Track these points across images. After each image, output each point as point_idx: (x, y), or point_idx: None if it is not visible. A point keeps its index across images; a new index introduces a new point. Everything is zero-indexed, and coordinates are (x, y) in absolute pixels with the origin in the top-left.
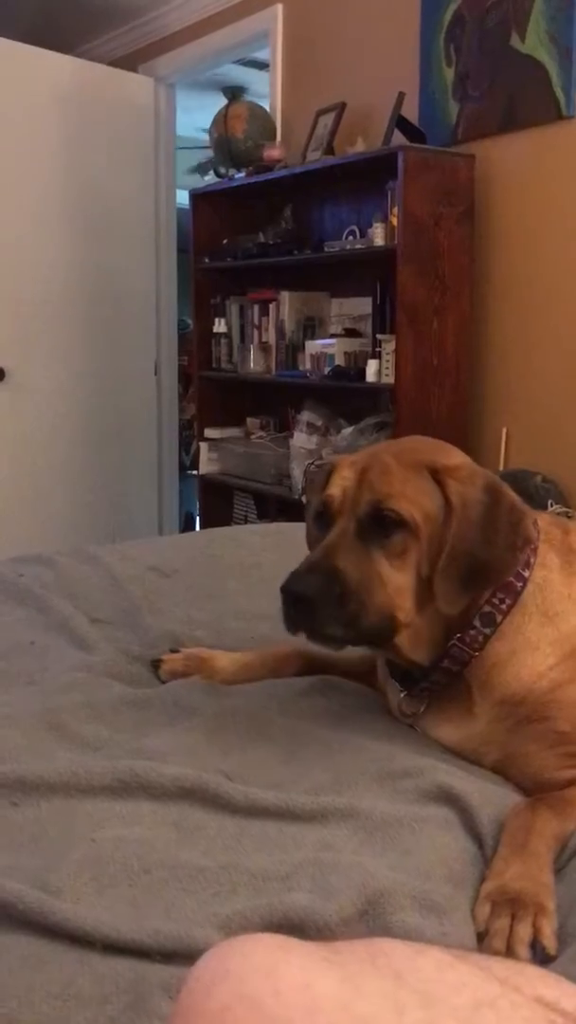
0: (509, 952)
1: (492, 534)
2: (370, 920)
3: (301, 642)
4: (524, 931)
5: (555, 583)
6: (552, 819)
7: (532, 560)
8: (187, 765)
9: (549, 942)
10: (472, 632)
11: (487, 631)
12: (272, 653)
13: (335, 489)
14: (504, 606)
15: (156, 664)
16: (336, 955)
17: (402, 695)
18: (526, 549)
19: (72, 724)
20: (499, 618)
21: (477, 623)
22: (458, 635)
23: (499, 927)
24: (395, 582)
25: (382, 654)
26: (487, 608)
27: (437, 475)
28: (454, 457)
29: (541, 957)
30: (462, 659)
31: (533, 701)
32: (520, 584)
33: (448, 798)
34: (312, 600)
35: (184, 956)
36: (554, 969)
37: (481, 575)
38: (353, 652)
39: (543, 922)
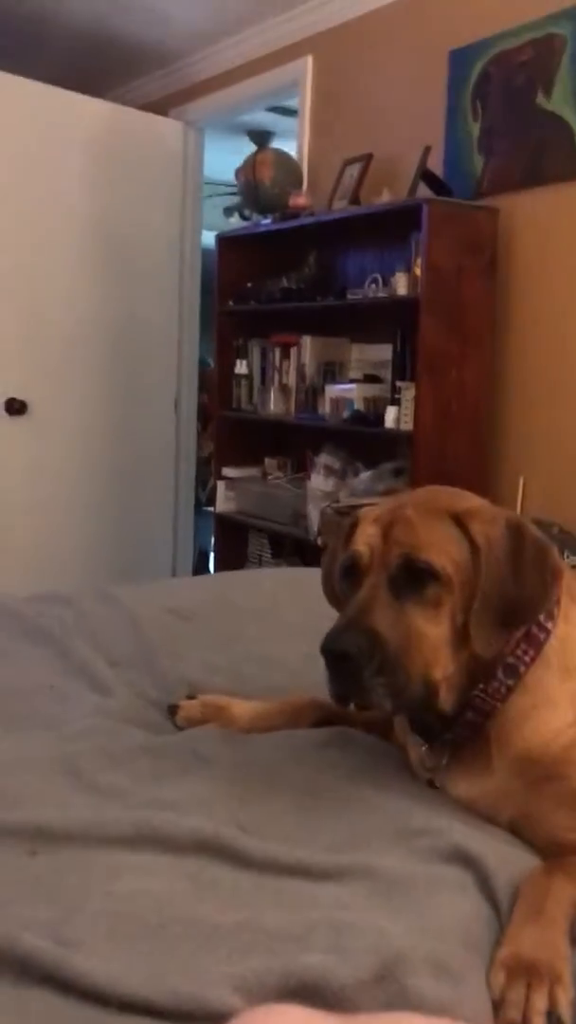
0: (525, 1022)
1: (521, 570)
2: (387, 985)
3: (315, 689)
4: (540, 1001)
5: (574, 632)
6: (568, 885)
7: (556, 612)
8: (203, 816)
9: (565, 1012)
10: (495, 683)
11: (510, 682)
12: (290, 703)
13: (361, 545)
14: (527, 658)
15: (173, 710)
16: None
17: (423, 748)
18: (556, 583)
19: (88, 771)
20: (522, 669)
21: (500, 674)
22: (481, 686)
23: (515, 997)
24: (432, 636)
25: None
26: (511, 659)
27: (460, 520)
28: (473, 501)
29: None
30: (484, 710)
31: (551, 759)
32: (543, 636)
33: (465, 860)
34: (355, 658)
35: (200, 1018)
36: None
37: (515, 613)
38: None
39: (559, 992)
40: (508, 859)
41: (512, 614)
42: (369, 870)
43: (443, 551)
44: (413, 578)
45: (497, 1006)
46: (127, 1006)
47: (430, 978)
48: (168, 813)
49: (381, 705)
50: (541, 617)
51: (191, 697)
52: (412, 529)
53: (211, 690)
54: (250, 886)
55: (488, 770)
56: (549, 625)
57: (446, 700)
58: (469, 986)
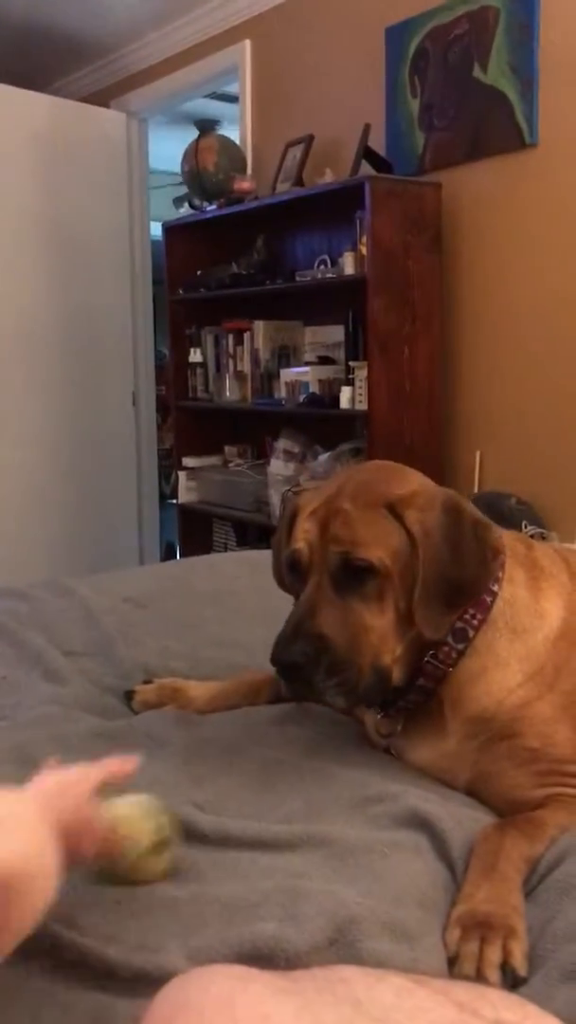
0: (479, 975)
1: (461, 552)
2: (340, 948)
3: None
4: (494, 954)
5: (522, 598)
6: (521, 841)
7: (500, 575)
8: (159, 796)
9: (519, 964)
10: (445, 648)
11: (460, 647)
12: (246, 681)
13: (300, 543)
14: (476, 621)
15: (129, 695)
16: (295, 984)
17: (379, 716)
18: (497, 559)
19: (41, 758)
20: (471, 633)
21: (450, 639)
22: (432, 652)
23: (469, 951)
24: (378, 627)
25: None
26: (459, 624)
27: (394, 509)
28: (409, 483)
29: (512, 979)
30: (436, 675)
31: (503, 718)
32: (490, 599)
33: (420, 823)
34: (304, 667)
35: (152, 986)
36: (525, 991)
37: (458, 593)
38: None
39: (513, 945)
40: (463, 820)
41: (455, 594)
42: (324, 839)
43: (380, 544)
44: (353, 575)
45: (452, 962)
46: (79, 968)
47: (385, 941)
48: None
49: (336, 703)
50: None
51: (147, 682)
52: (348, 525)
53: (169, 675)
54: (206, 861)
55: (443, 734)
56: (495, 588)
57: (397, 676)
58: (424, 947)
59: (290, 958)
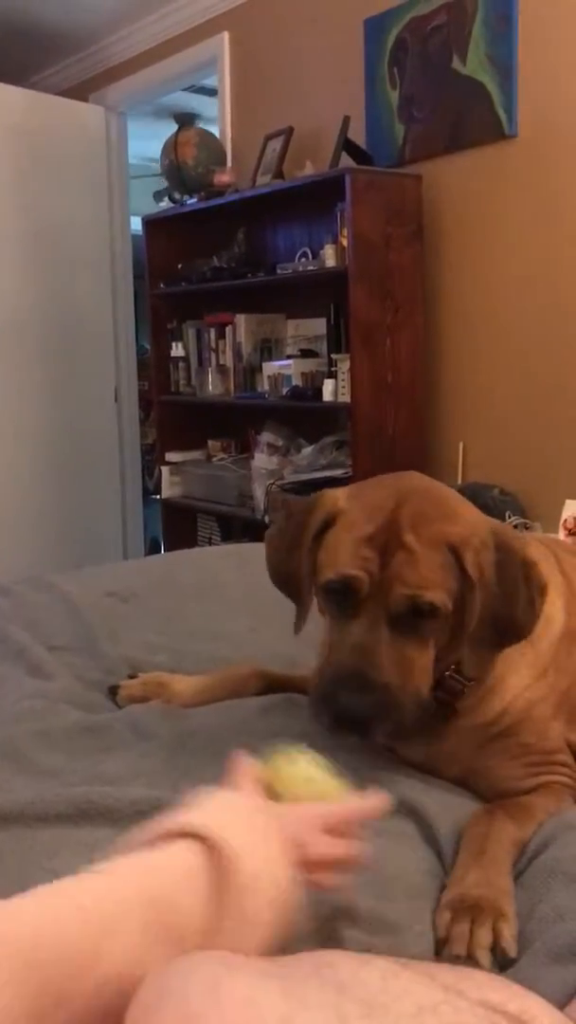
0: (469, 957)
1: (511, 592)
2: (324, 936)
3: (260, 661)
4: (484, 936)
5: None
6: (509, 825)
7: None
8: (144, 788)
9: (509, 945)
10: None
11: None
12: (232, 673)
13: (358, 570)
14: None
15: (113, 691)
16: (280, 969)
17: None
18: (543, 598)
19: (27, 752)
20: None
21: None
22: (453, 667)
23: (459, 932)
24: (423, 663)
25: None
26: None
27: (455, 550)
28: (462, 516)
29: (501, 961)
30: (455, 690)
31: (508, 720)
32: None
33: (407, 811)
34: (369, 718)
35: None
36: (513, 972)
37: (507, 634)
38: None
39: (503, 926)
40: (450, 806)
41: (504, 635)
42: None
43: (443, 587)
44: (414, 616)
45: (443, 943)
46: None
47: (370, 931)
48: (108, 787)
49: (382, 738)
50: None
51: (132, 677)
52: (415, 565)
53: (154, 669)
54: None
55: (441, 735)
56: None
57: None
58: (412, 935)
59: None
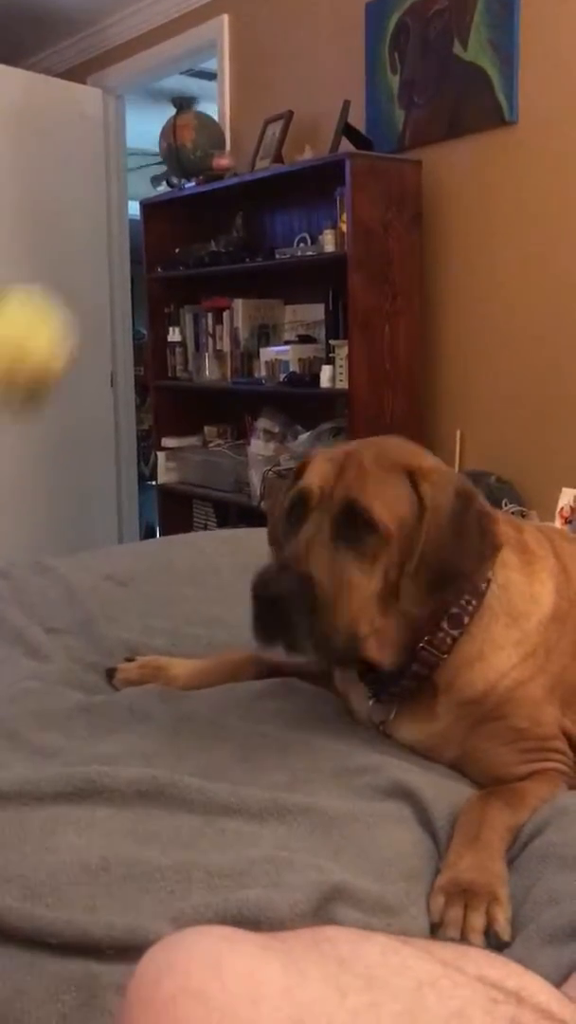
0: (463, 940)
1: (462, 540)
2: (323, 916)
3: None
4: (477, 920)
5: (517, 583)
6: (504, 810)
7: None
8: (143, 768)
9: (502, 929)
10: (440, 635)
11: (455, 633)
12: (228, 658)
13: (312, 480)
14: (471, 607)
15: (111, 673)
16: (281, 943)
17: (371, 703)
18: (495, 556)
19: (25, 732)
20: (466, 620)
21: (445, 625)
22: (427, 638)
23: (453, 917)
24: (363, 589)
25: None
26: (455, 610)
27: (412, 476)
28: (429, 459)
29: (495, 944)
30: (431, 662)
31: (495, 699)
32: (484, 585)
33: (403, 794)
34: (286, 601)
35: (136, 953)
36: (508, 955)
37: (449, 581)
38: None
39: (496, 910)
40: (446, 791)
41: (445, 580)
42: (309, 809)
43: (388, 505)
44: (354, 526)
45: (437, 927)
46: (63, 946)
47: (368, 912)
48: (106, 767)
49: (303, 650)
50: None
51: (129, 660)
52: (363, 475)
53: (151, 652)
54: (191, 829)
55: (432, 715)
56: (489, 575)
57: (381, 656)
58: (409, 916)
59: (274, 925)
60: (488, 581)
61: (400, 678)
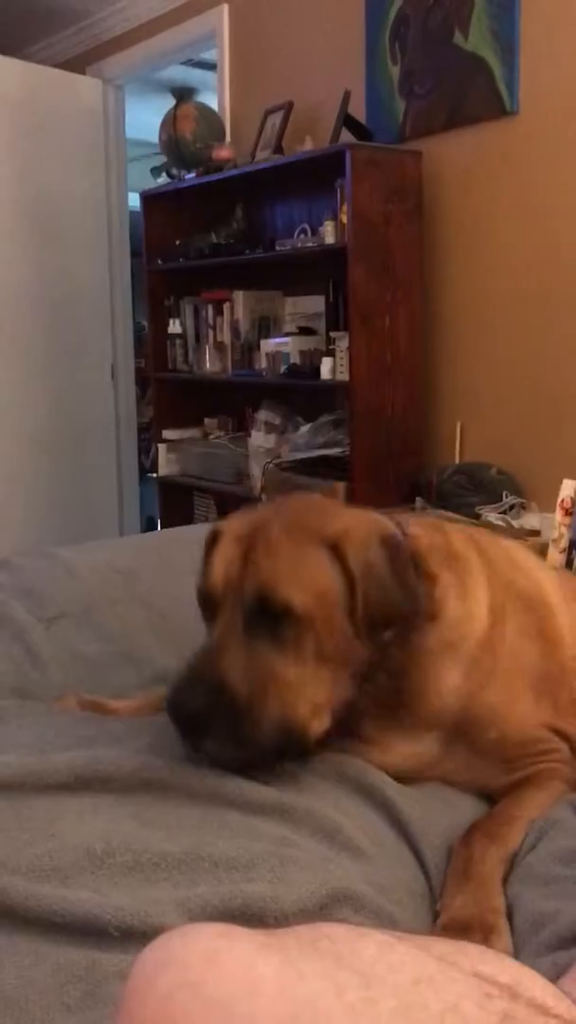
0: None
1: (401, 582)
2: (328, 917)
3: None
4: None
5: (450, 604)
6: (488, 844)
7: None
8: (145, 753)
9: None
10: (382, 676)
11: (392, 682)
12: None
13: (216, 575)
14: (404, 653)
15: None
16: (278, 940)
17: None
18: (434, 587)
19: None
20: (402, 656)
21: (381, 677)
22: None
23: None
24: (292, 679)
25: None
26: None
27: (334, 547)
28: (343, 518)
29: None
30: (383, 703)
31: (447, 715)
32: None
33: (396, 823)
34: (201, 716)
35: (141, 939)
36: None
37: (394, 619)
38: None
39: (494, 939)
40: (434, 821)
41: (390, 621)
42: (312, 812)
43: (305, 585)
44: (269, 617)
45: None
46: (69, 928)
47: (371, 916)
48: (110, 753)
49: (235, 762)
50: None
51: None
52: (272, 556)
53: (149, 644)
54: (196, 817)
55: (415, 740)
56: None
57: (319, 728)
58: (411, 927)
59: (279, 919)
60: (419, 627)
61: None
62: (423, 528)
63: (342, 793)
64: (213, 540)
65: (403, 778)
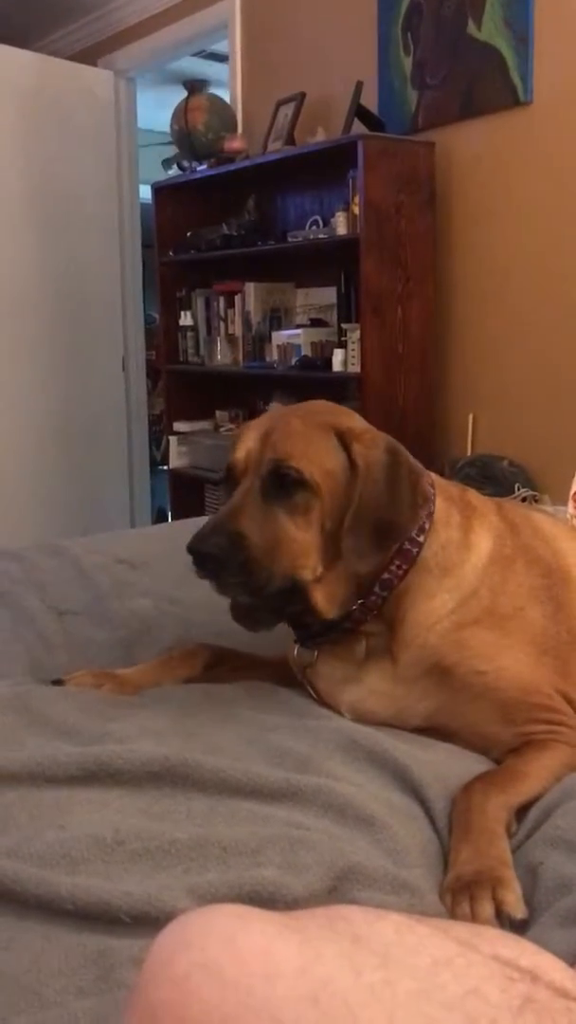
0: None
1: (396, 494)
2: (339, 896)
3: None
4: (483, 909)
5: (454, 539)
6: (489, 792)
7: (427, 525)
8: (154, 747)
9: (513, 908)
10: (372, 597)
11: (384, 594)
12: (178, 654)
13: (240, 452)
14: (400, 571)
15: (59, 683)
16: (296, 921)
17: (296, 646)
18: (425, 507)
19: (39, 706)
20: (396, 582)
21: (377, 588)
22: (360, 601)
23: (461, 913)
24: (300, 540)
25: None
26: (386, 575)
27: (342, 437)
28: (357, 421)
29: (512, 924)
30: (360, 620)
31: (438, 645)
32: (416, 550)
33: (411, 787)
34: (217, 559)
35: (152, 924)
36: (528, 938)
37: (387, 533)
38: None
39: (502, 893)
40: (449, 783)
41: (384, 533)
42: (322, 790)
43: (315, 461)
44: (282, 484)
45: None
46: (81, 913)
47: (385, 891)
48: (118, 747)
49: (239, 599)
50: (413, 532)
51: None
52: (288, 437)
53: (161, 632)
54: (204, 808)
55: (389, 676)
56: (421, 539)
57: (328, 606)
58: (426, 902)
59: (289, 904)
60: (420, 545)
61: (329, 631)
62: (441, 479)
63: (351, 762)
64: (237, 437)
65: (395, 722)
